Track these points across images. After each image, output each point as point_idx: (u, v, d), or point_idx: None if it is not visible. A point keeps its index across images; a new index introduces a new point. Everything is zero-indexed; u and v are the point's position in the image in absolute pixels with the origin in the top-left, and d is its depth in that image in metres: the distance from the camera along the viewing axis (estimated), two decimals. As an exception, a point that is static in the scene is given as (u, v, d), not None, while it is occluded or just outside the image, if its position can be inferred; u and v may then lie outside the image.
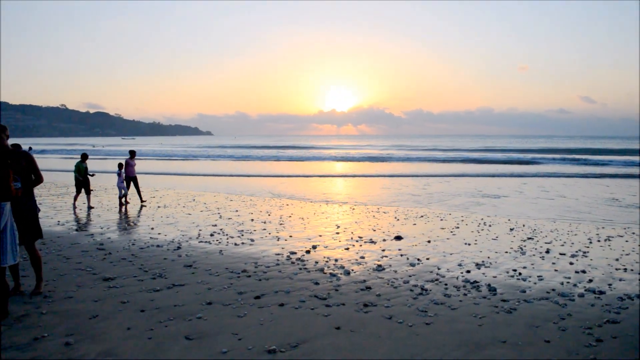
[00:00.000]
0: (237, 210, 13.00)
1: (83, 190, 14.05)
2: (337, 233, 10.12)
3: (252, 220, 11.55)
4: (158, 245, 8.79)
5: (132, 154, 15.57)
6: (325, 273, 7.08)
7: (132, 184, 15.18)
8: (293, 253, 8.27)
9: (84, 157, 14.30)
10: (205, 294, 6.05)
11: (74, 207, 13.58)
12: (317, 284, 6.55)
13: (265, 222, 11.26)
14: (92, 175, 14.48)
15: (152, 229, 10.47)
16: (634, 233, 10.51)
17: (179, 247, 8.64)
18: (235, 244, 8.91)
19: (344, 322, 5.18)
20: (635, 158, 41.47)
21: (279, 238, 9.54)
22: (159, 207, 13.88)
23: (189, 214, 12.48)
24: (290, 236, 9.75)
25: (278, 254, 8.18)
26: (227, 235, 9.76)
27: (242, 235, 9.77)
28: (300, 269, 7.29)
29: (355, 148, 64.93)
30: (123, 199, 14.28)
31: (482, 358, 4.42)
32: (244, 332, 4.87)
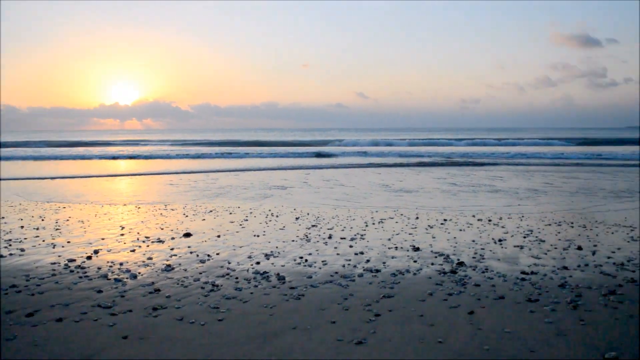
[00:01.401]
0: (3, 218, 11.53)
1: None
2: (122, 235, 9.57)
3: (22, 227, 10.35)
4: None
5: None
6: (110, 279, 6.64)
7: None
8: (72, 260, 7.60)
9: None
10: (-35, 318, 5.26)
11: None
12: (100, 292, 6.10)
13: (38, 229, 10.17)
14: None
15: None
16: (402, 215, 11.73)
17: None
18: (2, 256, 7.89)
19: (131, 330, 4.91)
20: (403, 149, 46.43)
21: (54, 245, 8.69)
22: None
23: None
24: (68, 242, 8.95)
25: (54, 263, 7.44)
26: (-9, 247, 8.60)
27: (10, 245, 8.70)
28: (81, 277, 6.73)
29: (142, 144, 62.03)
30: None
31: (274, 346, 4.55)
32: (15, 357, 4.34)
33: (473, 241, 8.90)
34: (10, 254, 8.03)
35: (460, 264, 7.36)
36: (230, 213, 12.08)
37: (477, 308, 5.52)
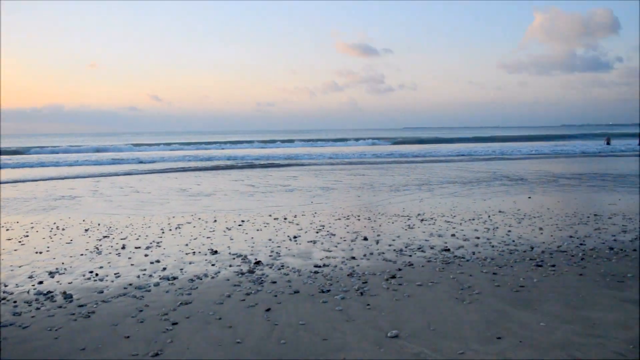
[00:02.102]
0: None
1: None
2: None
3: None
4: None
5: None
6: None
7: None
8: None
9: None
10: None
11: None
12: None
13: None
14: None
15: None
16: (200, 219, 11.60)
17: None
18: None
19: None
20: (200, 152, 45.91)
21: None
22: None
23: None
24: None
25: None
26: None
27: None
28: None
29: None
30: None
31: (60, 372, 4.18)
32: None
33: (270, 240, 9.16)
34: None
35: (258, 263, 7.52)
36: (7, 230, 10.81)
37: (274, 304, 5.68)
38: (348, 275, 6.79)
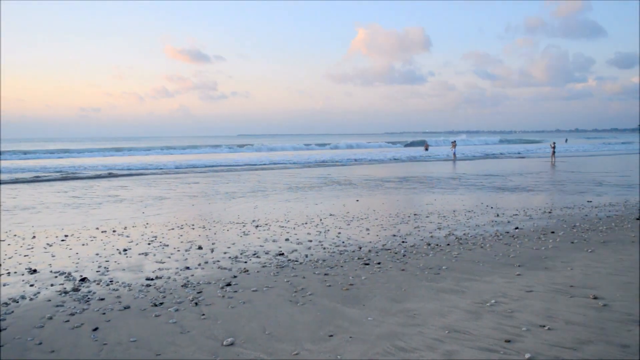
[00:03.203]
0: None
1: None
2: None
3: None
4: None
5: None
6: None
7: None
8: None
9: None
10: None
11: None
12: None
13: None
14: None
15: None
16: (15, 235, 10.55)
17: None
18: None
19: None
20: (15, 162, 41.95)
21: None
22: None
23: None
24: None
25: None
26: None
27: None
28: None
29: None
30: None
31: None
32: None
33: (97, 254, 8.62)
34: None
35: (84, 279, 7.04)
36: None
37: (102, 323, 5.36)
38: (182, 286, 6.64)
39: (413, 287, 6.31)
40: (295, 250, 8.61)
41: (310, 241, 9.28)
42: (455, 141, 48.80)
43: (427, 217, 11.74)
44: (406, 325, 5.04)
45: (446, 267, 7.23)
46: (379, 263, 7.55)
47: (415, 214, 12.15)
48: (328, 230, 10.36)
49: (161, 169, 32.49)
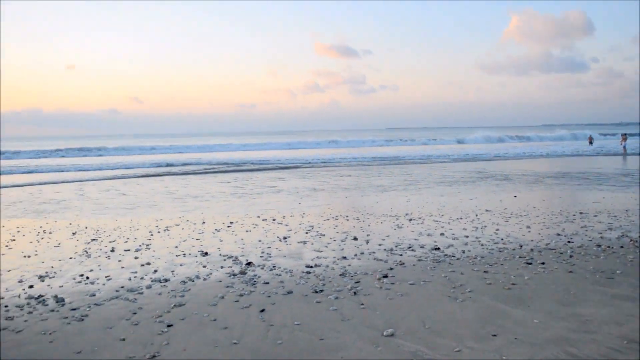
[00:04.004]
0: None
1: None
2: None
3: None
4: None
5: None
6: None
7: None
8: None
9: None
10: None
11: None
12: None
13: None
14: None
15: None
16: (188, 221, 11.56)
17: None
18: None
19: None
20: (190, 155, 45.68)
21: None
22: None
23: None
24: None
25: None
26: None
27: None
28: None
29: None
30: None
31: (56, 376, 4.16)
32: None
33: (260, 241, 9.16)
34: None
35: (249, 264, 7.52)
36: (-8, 234, 10.68)
37: (268, 305, 5.69)
38: (340, 275, 6.82)
39: (583, 291, 5.88)
40: (452, 245, 8.44)
41: (467, 237, 9.05)
42: (625, 134, 44.44)
43: (595, 216, 10.87)
44: (578, 331, 4.72)
45: (620, 271, 6.64)
46: (542, 263, 7.15)
47: (581, 213, 11.31)
48: (485, 226, 10.01)
49: (311, 162, 33.57)
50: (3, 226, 11.63)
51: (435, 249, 8.18)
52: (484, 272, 6.78)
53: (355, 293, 6.02)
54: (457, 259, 7.53)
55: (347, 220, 11.13)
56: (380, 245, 8.57)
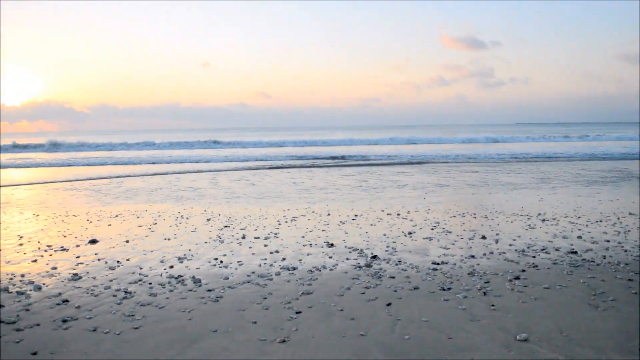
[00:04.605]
0: None
1: None
2: (21, 245, 8.94)
3: None
4: None
5: None
6: (11, 292, 6.17)
7: None
8: (-35, 275, 7.00)
9: None
10: None
11: None
12: (1, 306, 5.67)
13: None
14: None
15: None
16: (314, 212, 11.81)
17: None
18: None
19: (41, 346, 4.60)
20: (318, 149, 46.68)
21: (-57, 260, 7.97)
22: None
23: None
24: (-41, 255, 8.24)
25: (-56, 279, 6.82)
26: None
27: None
28: (-23, 292, 6.21)
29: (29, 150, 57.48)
30: None
31: (197, 350, 4.43)
32: None
33: (384, 235, 9.14)
34: None
35: (374, 257, 7.53)
36: (138, 217, 11.63)
37: (394, 299, 5.66)
38: (468, 274, 6.62)
39: None
40: (590, 249, 7.87)
41: (608, 241, 8.39)
42: None
43: None
44: None
45: None
46: (698, 274, 6.45)
47: None
48: (629, 230, 9.23)
49: (436, 157, 32.90)
50: (146, 210, 12.63)
51: (572, 252, 7.67)
52: (629, 280, 6.25)
53: (485, 293, 5.81)
54: (597, 264, 7.01)
55: (475, 217, 10.78)
56: (510, 245, 8.21)
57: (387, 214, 11.32)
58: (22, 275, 6.93)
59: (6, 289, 6.27)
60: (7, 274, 7.01)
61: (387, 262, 7.27)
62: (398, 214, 11.30)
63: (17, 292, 6.14)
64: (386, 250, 7.99)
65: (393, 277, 6.51)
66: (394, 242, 8.60)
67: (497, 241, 8.50)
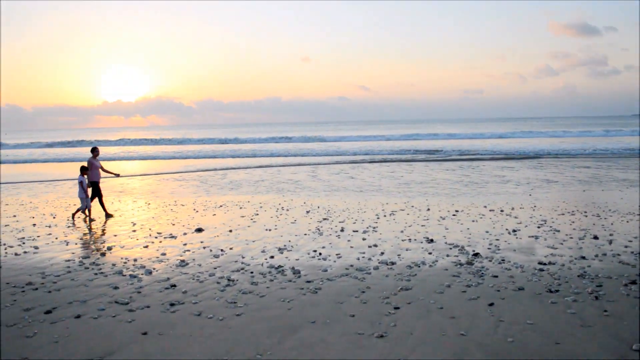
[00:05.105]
0: (14, 216, 11.53)
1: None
2: (134, 231, 9.54)
3: (35, 225, 10.34)
4: None
5: (95, 152, 11.72)
6: (125, 275, 6.60)
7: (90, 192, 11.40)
8: (86, 257, 7.58)
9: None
10: (-18, 316, 5.23)
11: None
12: (116, 288, 6.07)
13: (50, 226, 10.16)
14: None
15: None
16: (413, 206, 11.65)
17: (-58, 265, 7.37)
18: (16, 254, 7.87)
19: (150, 326, 4.87)
20: (416, 143, 46.21)
21: (68, 242, 8.67)
22: None
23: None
24: (81, 239, 8.94)
25: (69, 260, 7.42)
26: (4, 244, 8.58)
27: (24, 243, 8.68)
28: (96, 274, 6.69)
29: (145, 143, 61.08)
30: (84, 212, 11.21)
31: (295, 340, 4.50)
32: (35, 355, 4.30)
33: (487, 232, 8.82)
34: (25, 252, 8.01)
35: (476, 255, 7.29)
36: (241, 208, 12.03)
37: (497, 300, 5.44)
38: (578, 276, 6.23)
39: None
40: None
41: None
42: None
43: None
44: None
45: None
46: None
47: None
48: None
49: (543, 151, 31.30)
50: (248, 201, 13.02)
51: (699, 257, 7.01)
52: None
53: (596, 298, 5.44)
54: None
55: (585, 216, 10.14)
56: (626, 247, 7.64)
57: (490, 210, 10.93)
58: (135, 260, 7.39)
59: (120, 272, 6.71)
60: (122, 258, 7.51)
61: (490, 261, 7.01)
62: (501, 211, 10.87)
63: (130, 276, 6.55)
64: (489, 248, 7.71)
65: (496, 276, 6.26)
66: (497, 239, 8.28)
67: (610, 242, 7.94)
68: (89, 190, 11.29)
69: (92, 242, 8.69)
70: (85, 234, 9.37)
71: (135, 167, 27.85)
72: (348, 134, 62.83)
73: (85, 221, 10.85)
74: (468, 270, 6.56)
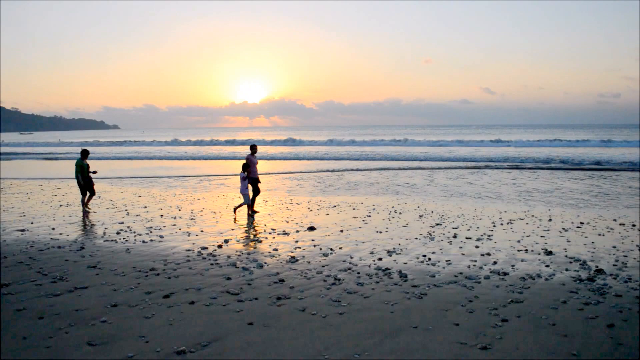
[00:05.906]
0: (145, 207, 12.51)
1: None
2: (250, 226, 9.97)
3: (162, 216, 11.16)
4: (59, 247, 8.27)
5: (254, 149, 11.99)
6: (238, 267, 6.93)
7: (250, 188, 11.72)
8: (204, 248, 8.05)
9: (85, 154, 12.31)
10: (110, 296, 5.74)
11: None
12: (229, 279, 6.39)
13: (175, 218, 10.91)
14: (94, 173, 12.42)
15: (53, 229, 9.84)
16: (533, 216, 11.08)
17: (82, 248, 8.17)
18: (144, 242, 8.55)
19: (257, 317, 5.07)
20: (545, 150, 44.02)
21: (189, 233, 9.26)
22: (60, 205, 13.09)
23: (94, 212, 11.86)
24: (202, 231, 9.50)
25: (189, 250, 7.93)
26: (134, 232, 9.35)
27: (151, 232, 9.40)
28: (212, 264, 7.09)
29: (270, 144, 63.49)
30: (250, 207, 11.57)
31: (395, 343, 4.47)
32: (152, 334, 4.65)
33: (614, 247, 8.18)
34: (151, 240, 8.67)
35: (599, 271, 6.78)
36: (354, 209, 12.12)
37: (618, 321, 5.04)
38: None
39: None
40: None
41: None
42: None
43: None
44: None
45: None
46: None
47: None
48: None
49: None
50: (362, 203, 13.09)
51: None
52: None
53: None
54: None
55: None
56: None
57: (620, 224, 10.12)
58: (248, 254, 7.72)
59: (234, 264, 7.06)
60: (236, 251, 7.89)
61: (614, 278, 6.50)
62: (633, 225, 10.03)
63: (243, 268, 6.86)
64: (614, 265, 7.15)
65: (619, 296, 5.80)
66: (624, 256, 7.65)
67: None
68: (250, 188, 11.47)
69: (211, 235, 9.19)
70: (205, 227, 9.93)
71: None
72: (469, 137, 61.03)
73: (250, 215, 11.28)
74: (588, 286, 6.13)
